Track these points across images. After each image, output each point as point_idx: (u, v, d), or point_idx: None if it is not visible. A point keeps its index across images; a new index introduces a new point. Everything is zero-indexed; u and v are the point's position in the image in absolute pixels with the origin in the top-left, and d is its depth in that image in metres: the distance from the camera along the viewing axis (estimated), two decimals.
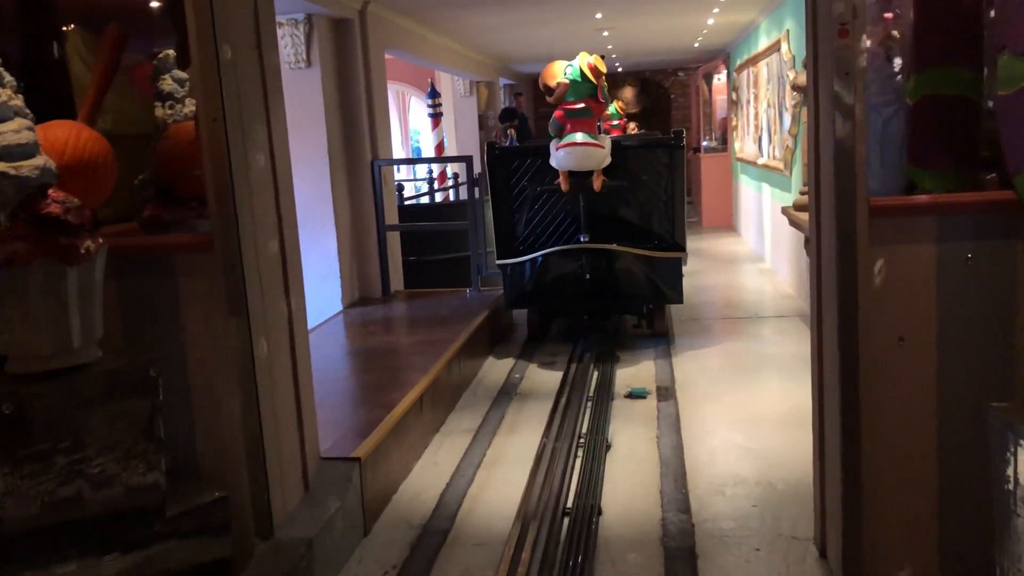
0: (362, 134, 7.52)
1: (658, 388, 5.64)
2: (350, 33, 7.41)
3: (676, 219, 6.76)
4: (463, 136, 13.57)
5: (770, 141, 9.84)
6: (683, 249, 6.81)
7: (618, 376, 5.98)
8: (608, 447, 4.60)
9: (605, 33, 10.94)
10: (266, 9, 3.42)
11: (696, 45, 13.33)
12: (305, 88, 7.07)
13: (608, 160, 6.37)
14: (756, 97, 11.03)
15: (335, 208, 7.21)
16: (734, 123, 13.61)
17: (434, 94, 11.30)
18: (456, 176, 12.81)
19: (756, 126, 11.10)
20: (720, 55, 14.91)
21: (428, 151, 16.75)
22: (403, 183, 11.99)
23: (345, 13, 7.21)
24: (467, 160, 7.79)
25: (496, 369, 6.40)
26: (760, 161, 10.45)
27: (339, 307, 7.28)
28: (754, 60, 10.85)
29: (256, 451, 3.21)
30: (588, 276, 6.47)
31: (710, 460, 4.35)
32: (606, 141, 6.56)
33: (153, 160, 3.41)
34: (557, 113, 6.37)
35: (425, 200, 11.39)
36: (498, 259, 6.93)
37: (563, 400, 5.36)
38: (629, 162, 6.66)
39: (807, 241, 7.04)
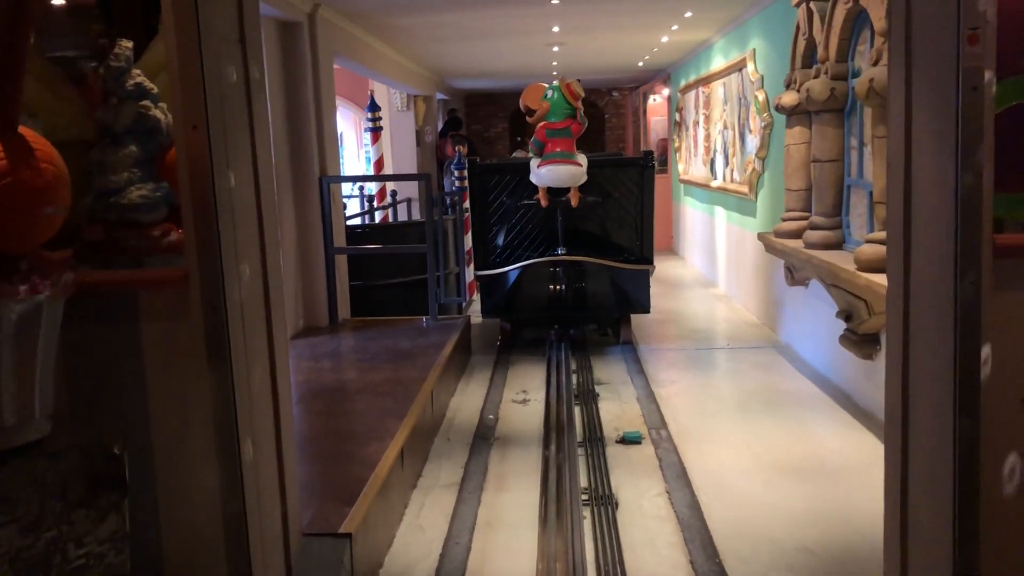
0: (310, 148, 6.87)
1: (650, 431, 5.17)
2: (299, 37, 6.77)
3: (645, 234, 7.32)
4: (400, 152, 12.94)
5: (727, 163, 9.57)
6: (651, 262, 7.39)
7: (603, 415, 5.49)
8: (616, 505, 4.09)
9: (555, 48, 10.54)
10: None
11: (640, 64, 13.07)
12: None
13: (584, 178, 6.84)
14: (707, 118, 10.78)
15: (280, 228, 6.52)
16: (677, 144, 13.39)
17: (374, 107, 10.67)
18: (395, 194, 12.18)
19: (708, 148, 10.85)
20: (659, 75, 14.71)
21: (358, 167, 16.07)
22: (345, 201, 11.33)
23: (294, 15, 6.58)
24: (425, 178, 7.22)
25: (466, 407, 5.83)
26: (714, 184, 10.18)
27: None
28: (706, 80, 10.60)
29: (238, 536, 2.58)
30: (563, 287, 6.99)
31: (735, 520, 3.89)
32: (583, 160, 6.93)
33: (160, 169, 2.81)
34: (539, 133, 6.78)
35: (365, 219, 10.74)
36: (476, 270, 7.37)
37: (552, 448, 4.83)
38: (603, 180, 7.15)
39: (789, 268, 6.73)
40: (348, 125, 17.32)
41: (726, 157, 9.63)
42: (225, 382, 2.50)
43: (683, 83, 12.55)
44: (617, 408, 5.66)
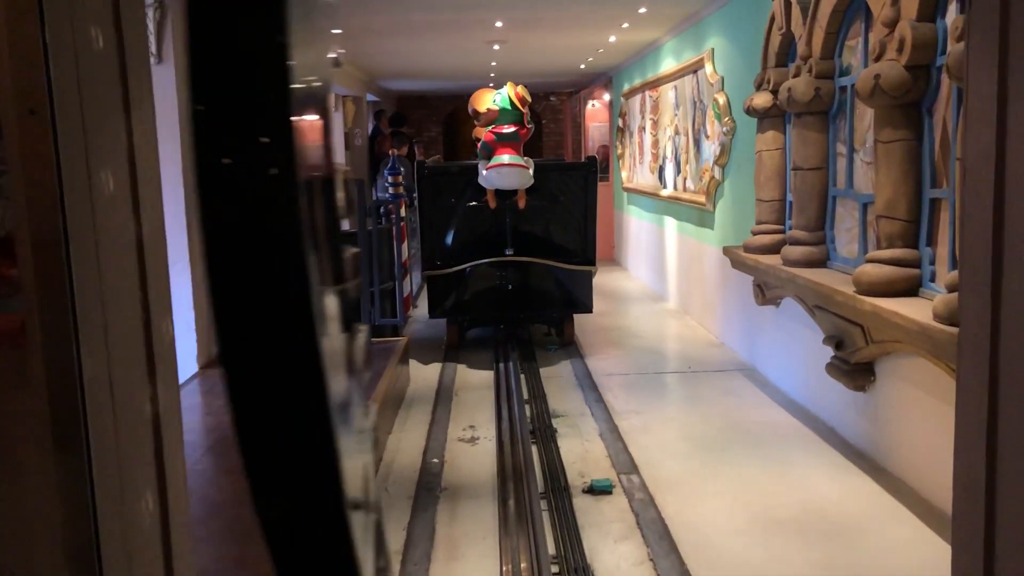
0: None
1: (620, 476, 4.52)
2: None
3: (589, 236, 7.49)
4: None
5: (679, 171, 9.04)
6: (594, 263, 7.57)
7: (564, 455, 4.82)
8: None
9: (496, 47, 9.87)
10: None
11: (582, 67, 12.51)
12: (155, 89, 5.55)
13: (531, 181, 7.02)
14: (655, 123, 10.24)
15: (191, 243, 5.71)
16: (620, 151, 12.86)
17: None
18: None
19: (656, 155, 10.31)
20: (600, 79, 14.19)
21: None
22: None
23: None
24: (359, 183, 6.46)
25: (406, 449, 5.09)
26: (664, 193, 9.64)
27: (194, 367, 5.76)
28: (654, 84, 10.07)
29: None
30: (510, 286, 7.25)
31: None
32: (530, 163, 7.08)
33: None
34: (487, 136, 6.92)
35: None
36: (424, 271, 7.47)
37: (510, 501, 4.14)
38: (549, 183, 7.32)
39: (759, 285, 6.18)
40: None
41: (678, 165, 9.09)
42: (78, 488, 1.74)
43: (627, 87, 12.02)
44: (579, 447, 4.99)
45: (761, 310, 6.22)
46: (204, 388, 5.51)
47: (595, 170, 7.62)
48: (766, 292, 5.93)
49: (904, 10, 3.86)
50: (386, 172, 9.12)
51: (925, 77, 3.84)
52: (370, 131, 14.13)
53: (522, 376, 6.59)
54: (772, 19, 5.62)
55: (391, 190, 9.03)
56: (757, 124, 5.89)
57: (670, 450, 4.93)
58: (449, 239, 7.34)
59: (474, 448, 5.06)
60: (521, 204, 7.08)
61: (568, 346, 7.53)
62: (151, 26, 5.40)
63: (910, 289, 3.99)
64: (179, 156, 5.62)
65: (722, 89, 7.32)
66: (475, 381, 6.69)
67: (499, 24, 8.25)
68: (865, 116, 4.56)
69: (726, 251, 6.36)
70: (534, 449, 4.92)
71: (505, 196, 7.08)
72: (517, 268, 7.21)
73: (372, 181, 13.02)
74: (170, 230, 4.83)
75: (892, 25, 3.93)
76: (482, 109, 7.01)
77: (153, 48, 5.46)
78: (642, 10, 7.68)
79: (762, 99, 5.70)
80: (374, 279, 6.39)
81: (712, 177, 7.56)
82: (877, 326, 4.08)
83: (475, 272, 7.20)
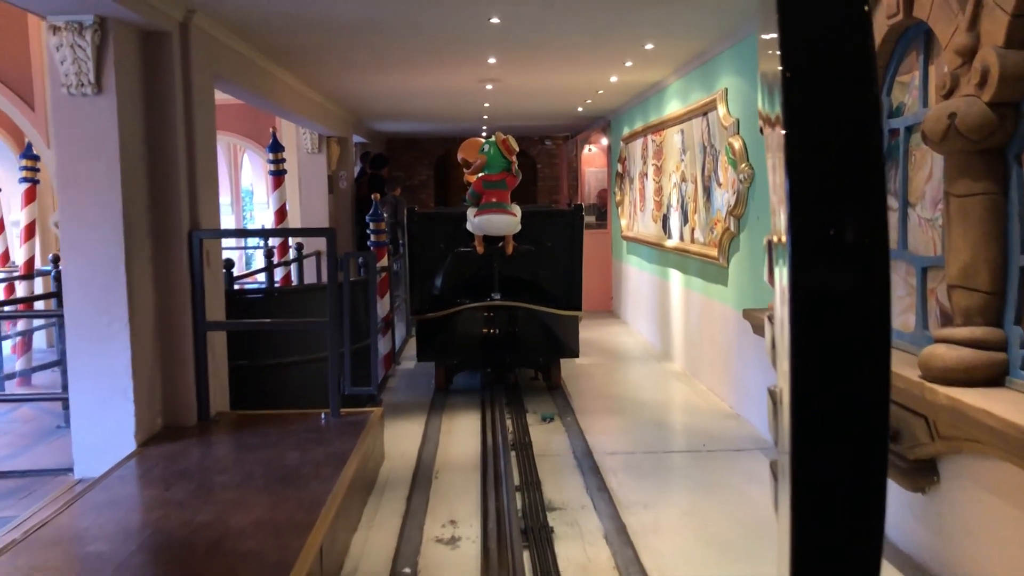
0: (177, 193, 5.29)
1: None
2: (165, 51, 5.22)
3: (575, 282, 7.59)
4: (309, 200, 11.37)
5: (686, 221, 8.32)
6: (580, 308, 7.61)
7: (562, 565, 4.00)
8: None
9: (489, 87, 9.20)
10: None
11: (580, 110, 11.86)
12: (91, 124, 4.81)
13: (519, 227, 7.20)
14: (659, 169, 9.56)
15: (131, 297, 4.92)
16: (618, 198, 12.17)
17: (276, 147, 9.14)
18: (300, 247, 10.58)
19: (659, 203, 9.61)
20: (598, 123, 13.56)
21: (265, 217, 14.46)
22: (231, 257, 9.70)
23: (159, 22, 5.05)
24: (328, 233, 5.69)
25: (373, 554, 4.26)
26: (669, 243, 8.91)
27: (131, 444, 4.94)
28: (657, 127, 9.40)
29: None
30: (497, 330, 7.32)
31: None
32: (517, 210, 7.25)
33: None
34: (475, 184, 7.15)
35: (261, 278, 9.11)
36: (413, 314, 7.67)
37: None
38: (536, 230, 7.52)
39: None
40: (257, 172, 15.71)
41: (684, 214, 8.37)
42: None
43: (627, 131, 11.36)
44: (580, 553, 4.17)
45: None
46: (141, 471, 4.69)
47: (581, 217, 7.74)
48: None
49: (986, 35, 3.14)
50: (367, 218, 8.38)
51: (1014, 117, 3.12)
52: (357, 173, 13.43)
53: (512, 454, 5.78)
54: None
55: (372, 237, 8.29)
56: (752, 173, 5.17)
57: (687, 556, 4.12)
58: (438, 283, 7.49)
59: (454, 552, 4.23)
60: (509, 250, 7.27)
61: (554, 389, 7.64)
62: (88, 50, 4.66)
63: (993, 377, 3.22)
64: (118, 201, 4.86)
65: (737, 133, 6.63)
66: (459, 455, 5.88)
67: (492, 60, 7.57)
68: (924, 164, 3.83)
69: (747, 315, 5.60)
70: (526, 555, 4.10)
71: (493, 242, 7.27)
72: (504, 313, 7.31)
73: (357, 225, 12.30)
74: (105, 287, 4.08)
75: (968, 54, 3.21)
76: (471, 158, 7.26)
77: (91, 76, 4.72)
78: (649, 46, 7.01)
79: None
80: (344, 339, 5.59)
81: (726, 229, 6.83)
82: (950, 420, 3.31)
83: (462, 316, 7.30)
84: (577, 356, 7.74)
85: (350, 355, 5.70)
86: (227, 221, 16.36)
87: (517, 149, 7.22)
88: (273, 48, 6.71)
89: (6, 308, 7.55)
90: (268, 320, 6.15)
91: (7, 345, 8.80)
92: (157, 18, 5.03)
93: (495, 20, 5.92)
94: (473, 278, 7.36)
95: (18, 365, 8.35)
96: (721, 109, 6.94)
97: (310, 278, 10.48)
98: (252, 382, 6.32)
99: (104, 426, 4.94)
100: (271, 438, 5.16)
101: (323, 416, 5.59)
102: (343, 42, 6.70)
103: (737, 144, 6.53)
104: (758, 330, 5.46)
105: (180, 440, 5.12)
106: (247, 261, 14.62)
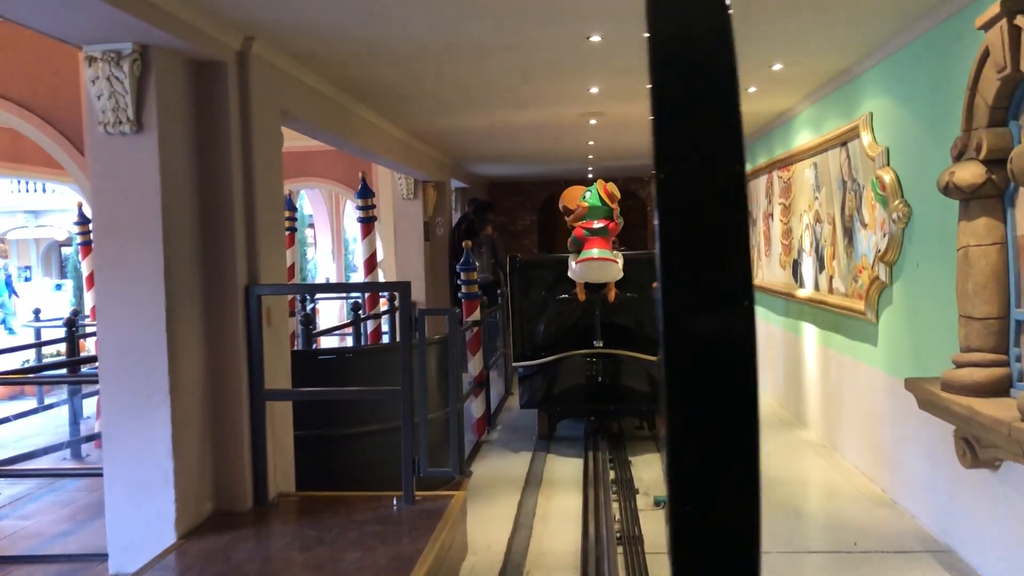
0: (231, 244, 4.63)
1: None
2: (220, 84, 4.62)
3: None
4: (405, 248, 10.80)
5: (822, 268, 7.21)
6: None
7: None
8: None
9: (592, 121, 8.38)
10: None
11: None
12: (130, 166, 4.21)
13: (620, 274, 7.09)
14: (787, 209, 8.48)
15: (174, 364, 4.26)
16: None
17: (366, 192, 8.56)
18: (394, 298, 9.95)
19: (787, 247, 8.52)
20: None
21: (359, 266, 13.96)
22: (315, 308, 9.14)
23: (212, 51, 4.45)
24: (401, 288, 4.92)
25: None
26: (801, 293, 7.80)
27: (171, 536, 4.24)
28: (784, 162, 8.36)
29: None
30: (600, 378, 7.17)
31: None
32: (619, 257, 7.10)
33: None
34: (577, 231, 7.02)
35: (352, 334, 8.48)
36: (515, 362, 7.61)
37: None
38: (638, 276, 7.36)
39: (967, 440, 4.28)
40: (323, 212, 15.35)
41: (820, 259, 7.28)
42: None
43: (748, 168, 10.29)
44: None
45: (969, 474, 4.31)
46: (177, 570, 3.97)
47: None
48: (979, 451, 4.04)
49: None
50: (458, 268, 7.64)
51: None
52: (459, 219, 12.80)
53: (619, 549, 4.82)
54: (983, 58, 3.89)
55: (463, 288, 7.53)
56: (960, 209, 4.11)
57: None
58: (540, 330, 7.47)
59: None
60: (611, 297, 7.16)
61: (658, 439, 7.46)
62: (125, 82, 4.06)
63: None
64: (160, 253, 4.22)
65: (887, 164, 5.56)
66: (556, 548, 4.97)
67: (594, 90, 6.74)
68: None
69: (911, 385, 4.50)
70: None
71: (595, 289, 7.17)
72: (607, 360, 7.18)
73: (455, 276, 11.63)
74: (144, 351, 3.31)
75: None
76: (572, 206, 7.09)
77: (130, 112, 4.12)
78: (777, 67, 6.05)
79: (969, 173, 3.94)
80: (420, 411, 4.79)
81: (875, 278, 5.73)
82: None
83: (565, 364, 7.19)
84: None
85: (429, 427, 4.89)
86: (329, 270, 16.07)
87: (619, 196, 7.12)
88: (349, 81, 6.07)
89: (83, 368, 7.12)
90: (331, 388, 5.39)
91: (89, 404, 8.41)
92: (209, 46, 4.43)
93: (595, 38, 5.10)
94: (575, 325, 7.31)
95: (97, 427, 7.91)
96: (866, 137, 5.88)
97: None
98: (325, 454, 5.61)
99: (142, 514, 4.26)
100: (332, 531, 4.37)
101: (395, 502, 4.78)
102: (427, 72, 6.00)
103: (888, 177, 5.46)
104: (926, 405, 4.36)
105: (228, 531, 4.38)
106: (348, 313, 14.18)
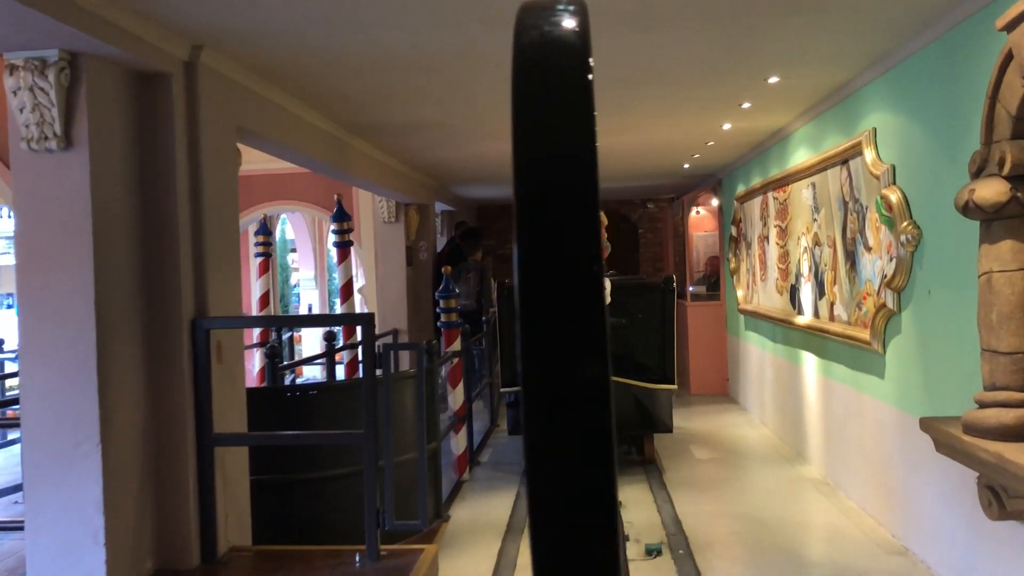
0: (175, 274, 4.20)
1: None
2: (164, 97, 4.19)
3: (667, 355, 7.52)
4: (386, 274, 10.35)
5: (822, 294, 6.80)
6: (673, 381, 7.53)
7: None
8: None
9: None
10: None
11: (686, 167, 10.52)
12: (57, 187, 3.78)
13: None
14: (783, 231, 8.09)
15: (106, 409, 3.80)
16: (733, 265, 10.68)
17: (342, 216, 8.14)
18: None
19: (783, 271, 8.12)
20: (707, 182, 12.16)
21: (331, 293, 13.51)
22: (296, 337, 8.69)
23: (154, 61, 4.03)
24: (364, 320, 4.47)
25: None
26: (800, 321, 7.39)
27: None
28: (780, 182, 7.97)
29: None
30: None
31: None
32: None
33: None
34: None
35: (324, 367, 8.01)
36: (503, 387, 7.76)
37: None
38: (627, 302, 7.39)
39: (992, 488, 3.83)
40: (306, 236, 14.93)
41: (820, 285, 6.87)
42: None
43: (741, 189, 9.94)
44: None
45: (995, 526, 3.87)
46: None
47: (672, 289, 7.66)
48: (1007, 501, 3.60)
49: None
50: (437, 295, 7.21)
51: None
52: (444, 244, 12.37)
53: None
54: (1005, 62, 3.49)
55: (443, 317, 7.09)
56: (981, 230, 3.70)
57: None
58: None
59: None
60: None
61: (648, 464, 7.46)
62: (51, 93, 3.64)
63: None
64: (91, 285, 3.78)
65: (893, 183, 5.16)
66: None
67: None
68: None
69: (927, 426, 4.07)
70: None
71: None
72: None
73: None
74: (71, 397, 2.85)
75: None
76: None
77: (57, 127, 3.69)
78: (773, 79, 5.66)
79: (991, 190, 3.53)
80: (386, 457, 4.33)
81: (882, 305, 5.31)
82: None
83: None
84: (671, 431, 7.57)
85: (404, 469, 4.45)
86: (311, 297, 15.62)
87: (606, 222, 6.89)
88: (315, 96, 5.66)
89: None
90: (286, 432, 4.93)
91: None
92: (151, 55, 4.01)
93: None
94: None
95: None
96: (868, 154, 5.49)
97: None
98: (287, 501, 5.16)
99: None
100: None
101: (357, 558, 4.31)
102: (400, 87, 5.60)
103: (894, 197, 5.06)
104: (945, 449, 3.92)
105: None
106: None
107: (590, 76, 0.96)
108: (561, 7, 0.96)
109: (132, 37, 3.83)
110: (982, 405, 3.65)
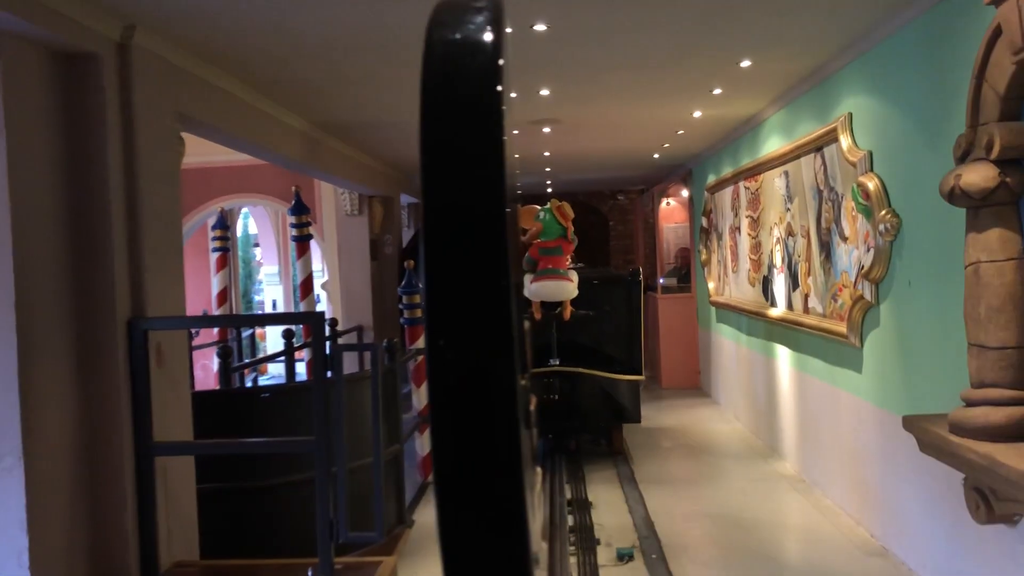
0: (108, 272, 3.89)
1: None
2: (93, 81, 3.88)
3: (634, 346, 7.56)
4: (349, 268, 10.05)
5: (796, 285, 6.61)
6: (641, 372, 7.58)
7: None
8: None
9: (547, 130, 7.74)
10: None
11: (656, 156, 10.31)
12: None
13: (576, 293, 7.02)
14: (755, 222, 7.90)
15: (29, 417, 3.49)
16: (704, 256, 10.50)
17: (300, 208, 7.82)
18: (335, 323, 9.20)
19: (756, 262, 7.93)
20: (677, 173, 11.97)
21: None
22: (258, 334, 8.38)
23: (81, 41, 3.72)
24: (312, 319, 4.18)
25: None
26: (773, 313, 7.20)
27: None
28: (751, 171, 7.78)
29: None
30: (557, 396, 7.18)
31: None
32: (574, 276, 7.04)
33: None
34: (531, 251, 6.86)
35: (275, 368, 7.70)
36: None
37: None
38: (594, 295, 7.44)
39: (980, 490, 3.61)
40: (270, 232, 14.53)
41: (793, 276, 6.68)
42: None
43: (712, 179, 9.75)
44: None
45: (983, 529, 3.68)
46: None
47: (639, 281, 7.72)
48: (995, 504, 3.41)
49: None
50: (399, 290, 6.94)
51: None
52: (411, 239, 12.10)
53: None
54: (992, 39, 3.28)
55: (406, 313, 6.82)
56: (968, 218, 3.49)
57: None
58: None
59: None
60: (566, 315, 7.08)
61: (617, 455, 7.48)
62: None
63: None
64: (10, 286, 3.47)
65: (870, 170, 4.96)
66: None
67: (545, 92, 6.10)
68: None
69: (911, 425, 3.87)
70: None
71: (550, 308, 7.09)
72: (564, 379, 7.22)
73: None
74: None
75: None
76: (527, 225, 6.95)
77: None
78: (745, 63, 5.44)
79: (979, 175, 3.32)
80: (339, 464, 4.06)
81: (859, 298, 5.12)
82: None
83: None
84: (639, 421, 7.68)
85: (369, 472, 4.18)
86: (276, 292, 15.24)
87: (572, 215, 7.01)
88: (263, 80, 5.35)
89: None
90: (231, 440, 4.62)
91: None
92: (78, 35, 3.70)
93: (540, 27, 4.44)
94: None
95: None
96: (844, 141, 5.29)
97: (351, 365, 9.03)
98: (240, 510, 4.87)
99: None
100: None
101: (310, 573, 4.04)
102: (351, 70, 5.31)
103: (872, 184, 4.86)
104: (931, 449, 3.73)
105: None
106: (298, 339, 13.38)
107: (500, 80, 0.91)
108: (477, 7, 0.92)
109: (54, 13, 3.52)
110: (969, 403, 3.45)
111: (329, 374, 4.23)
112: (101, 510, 3.89)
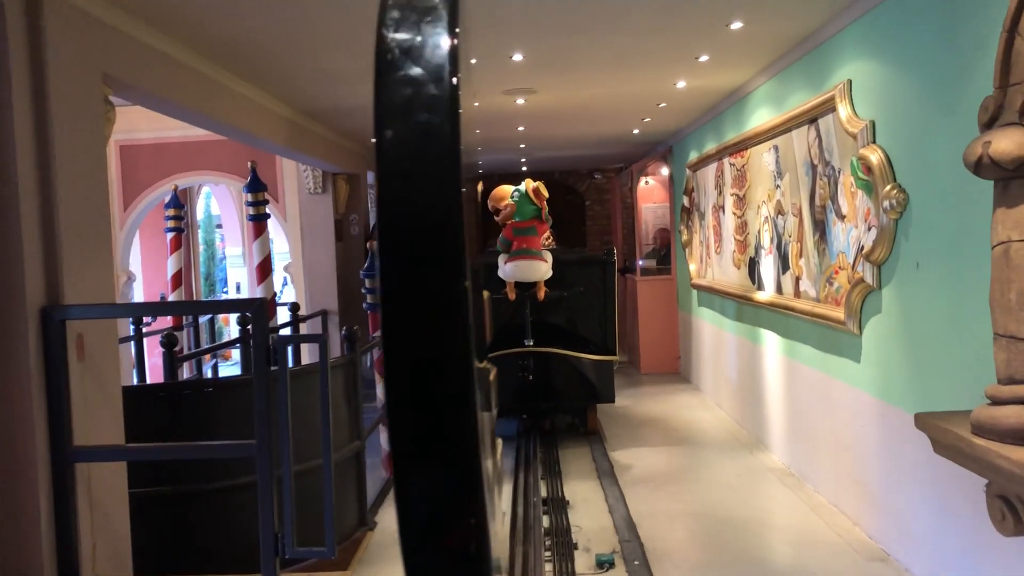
0: (16, 255, 3.40)
1: None
2: None
3: (608, 327, 7.57)
4: (312, 249, 9.55)
5: (786, 268, 6.21)
6: (615, 353, 7.63)
7: None
8: None
9: (521, 101, 7.27)
10: None
11: (636, 132, 9.86)
12: None
13: (550, 273, 6.91)
14: (740, 200, 7.49)
15: None
16: (685, 237, 10.09)
17: (256, 186, 7.29)
18: (296, 308, 8.71)
19: (741, 243, 7.52)
20: (657, 150, 11.54)
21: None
22: (179, 331, 7.88)
23: None
24: (255, 307, 3.71)
25: None
26: (761, 297, 6.80)
27: None
28: (737, 146, 7.35)
29: None
30: (531, 377, 7.22)
31: None
32: (548, 256, 6.89)
33: None
34: (505, 231, 6.75)
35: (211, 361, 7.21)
36: None
37: None
38: (568, 275, 7.42)
39: (1007, 499, 3.19)
40: (234, 212, 13.95)
41: (783, 258, 6.27)
42: None
43: (694, 156, 9.32)
44: None
45: (1008, 541, 3.29)
46: None
47: (613, 262, 7.70)
48: (1022, 513, 3.02)
49: None
50: (361, 273, 6.47)
51: None
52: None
53: None
54: None
55: (369, 298, 6.35)
56: (996, 191, 3.07)
57: None
58: None
59: None
60: (540, 296, 7.04)
61: (591, 435, 7.56)
62: None
63: None
64: None
65: (873, 141, 4.54)
66: None
67: (518, 57, 5.62)
68: None
69: (924, 424, 3.46)
70: None
71: (525, 288, 7.05)
72: (538, 359, 7.23)
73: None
74: None
75: None
76: (501, 205, 6.86)
77: None
78: (735, 24, 4.99)
79: (1012, 142, 2.90)
80: (284, 470, 3.61)
81: (859, 280, 4.71)
82: None
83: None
84: (613, 401, 7.73)
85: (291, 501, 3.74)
86: (240, 275, 14.68)
87: (547, 195, 6.83)
88: (208, 43, 4.83)
89: None
90: (164, 445, 4.15)
91: None
92: None
93: None
94: (506, 325, 7.26)
95: None
96: (843, 110, 4.86)
97: (313, 355, 8.52)
98: (181, 517, 4.41)
99: None
100: None
101: None
102: (307, 29, 4.80)
103: (875, 157, 4.44)
104: (949, 451, 3.32)
105: None
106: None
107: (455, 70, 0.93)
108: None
109: None
110: (995, 401, 3.05)
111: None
112: (9, 525, 3.41)
